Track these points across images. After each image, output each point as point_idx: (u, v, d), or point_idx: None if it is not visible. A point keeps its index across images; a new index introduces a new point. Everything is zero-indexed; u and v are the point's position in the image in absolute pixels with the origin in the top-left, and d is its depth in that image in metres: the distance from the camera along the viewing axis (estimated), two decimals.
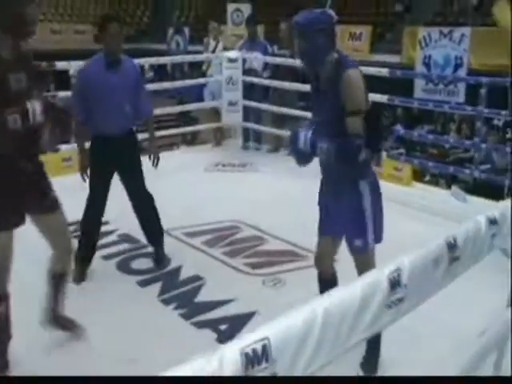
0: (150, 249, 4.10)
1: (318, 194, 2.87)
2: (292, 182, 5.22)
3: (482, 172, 5.59)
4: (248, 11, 10.96)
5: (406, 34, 12.64)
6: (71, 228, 4.45)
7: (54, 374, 2.23)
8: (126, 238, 4.37)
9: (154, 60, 7.40)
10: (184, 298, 3.50)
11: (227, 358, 1.03)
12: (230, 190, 5.37)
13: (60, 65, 5.90)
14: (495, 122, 8.66)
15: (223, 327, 3.17)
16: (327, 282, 2.76)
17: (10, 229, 2.56)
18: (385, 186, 5.33)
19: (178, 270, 3.87)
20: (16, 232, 2.61)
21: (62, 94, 6.22)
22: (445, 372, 1.79)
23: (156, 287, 3.64)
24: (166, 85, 7.49)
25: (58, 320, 2.90)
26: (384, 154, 6.14)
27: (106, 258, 4.05)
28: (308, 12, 2.58)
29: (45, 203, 2.71)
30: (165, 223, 4.46)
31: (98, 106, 3.56)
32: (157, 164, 3.97)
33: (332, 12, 2.63)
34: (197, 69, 8.64)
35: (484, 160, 7.02)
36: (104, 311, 3.24)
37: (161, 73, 15.27)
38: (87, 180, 3.79)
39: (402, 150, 8.77)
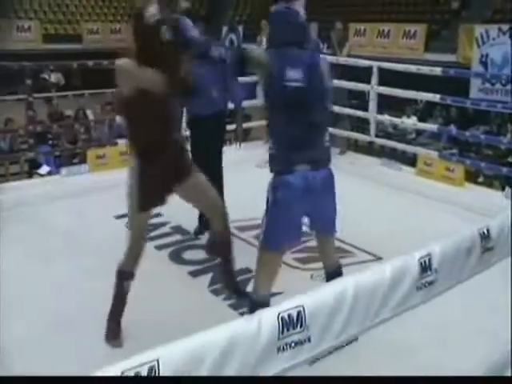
0: (201, 241, 4.24)
1: None
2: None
3: None
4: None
5: (462, 32, 12.38)
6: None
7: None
8: (178, 229, 4.53)
9: None
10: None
11: (265, 321, 1.15)
12: None
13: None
14: None
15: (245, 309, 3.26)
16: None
17: (149, 210, 3.00)
18: (436, 187, 5.46)
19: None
20: None
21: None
22: None
23: (207, 278, 3.78)
24: None
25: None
26: (436, 153, 6.12)
27: (159, 248, 4.23)
28: None
29: (185, 171, 3.01)
30: None
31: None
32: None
33: None
34: None
35: None
36: (156, 300, 3.39)
37: None
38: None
39: (454, 151, 8.65)
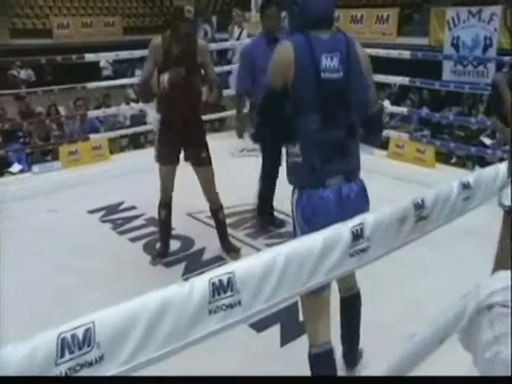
0: (176, 231, 4.27)
1: None
2: None
3: (504, 152, 5.58)
4: None
5: (434, 15, 12.46)
6: (103, 212, 4.74)
7: None
8: (152, 221, 4.54)
9: None
10: None
11: (197, 286, 1.24)
12: (255, 174, 5.47)
13: (89, 57, 6.06)
14: None
15: None
16: None
17: (167, 165, 3.82)
18: (408, 168, 5.53)
19: (201, 251, 4.03)
20: None
21: (92, 84, 6.44)
22: None
23: (180, 267, 3.80)
24: None
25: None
26: (406, 135, 6.20)
27: (133, 240, 4.25)
28: None
29: (200, 157, 3.85)
30: (190, 206, 4.65)
31: (260, 78, 3.63)
32: None
33: None
34: (224, 56, 8.77)
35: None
36: (128, 290, 3.39)
37: None
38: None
39: (426, 132, 8.75)
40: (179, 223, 4.42)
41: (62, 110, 9.90)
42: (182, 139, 3.70)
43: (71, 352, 1.07)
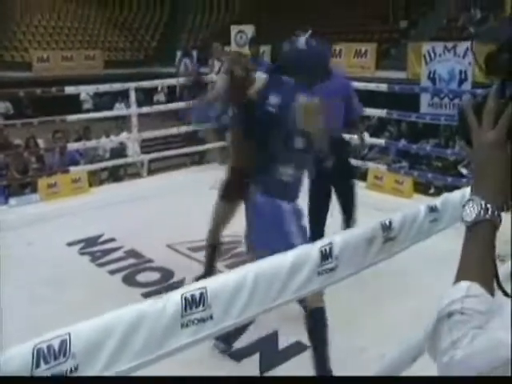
0: (155, 263, 4.24)
1: None
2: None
3: None
4: (251, 33, 11.22)
5: (411, 50, 12.77)
6: (82, 244, 4.68)
7: None
8: (131, 253, 4.50)
9: (159, 82, 7.62)
10: None
11: (170, 300, 1.31)
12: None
13: (69, 90, 6.08)
14: None
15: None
16: None
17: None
18: (386, 199, 5.58)
19: (181, 282, 3.98)
20: None
21: (72, 117, 6.45)
22: None
23: None
24: (172, 106, 7.67)
25: None
26: (385, 167, 6.28)
27: (112, 272, 4.19)
28: None
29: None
30: (170, 238, 4.63)
31: None
32: None
33: None
34: (205, 90, 8.84)
35: None
36: None
37: (171, 96, 15.56)
38: None
39: (404, 164, 8.87)
40: (158, 255, 4.41)
41: (41, 143, 9.85)
42: None
43: (46, 362, 1.11)
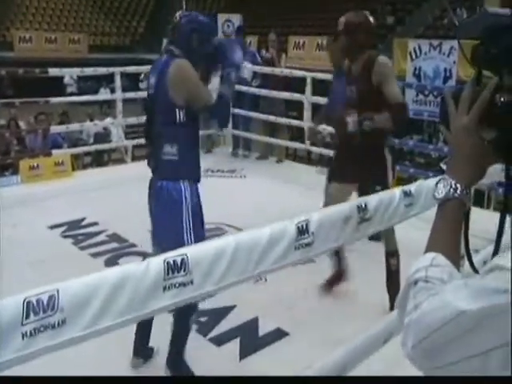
0: (138, 248, 4.23)
1: None
2: (278, 187, 5.44)
3: None
4: (238, 22, 11.17)
5: (397, 46, 12.83)
6: (64, 227, 4.65)
7: None
8: (114, 237, 4.49)
9: (146, 69, 7.54)
10: None
11: (152, 264, 1.38)
12: (218, 194, 5.49)
13: (52, 71, 6.01)
14: None
15: (203, 319, 3.29)
16: None
17: (339, 182, 3.37)
18: None
19: None
20: None
21: (55, 100, 6.38)
22: None
23: None
24: None
25: None
26: None
27: (95, 255, 4.18)
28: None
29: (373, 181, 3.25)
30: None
31: None
32: None
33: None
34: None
35: None
36: None
37: None
38: None
39: None
40: (140, 240, 4.38)
41: (22, 125, 9.71)
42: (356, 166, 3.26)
43: (36, 314, 1.19)
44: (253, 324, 3.27)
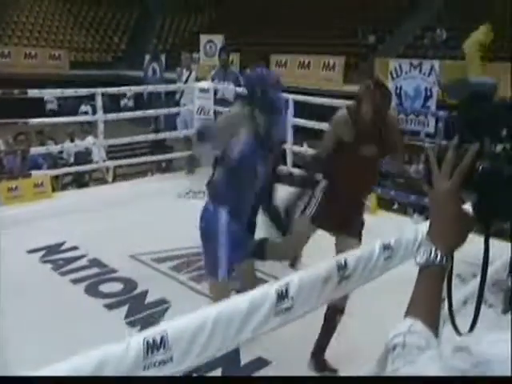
0: (119, 273, 4.19)
1: None
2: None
3: None
4: (220, 43, 11.23)
5: (378, 65, 12.99)
6: (43, 252, 4.58)
7: None
8: (95, 263, 4.43)
9: (127, 89, 7.54)
10: (149, 320, 3.58)
11: (132, 344, 1.37)
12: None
13: (32, 93, 5.96)
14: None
15: None
16: None
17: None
18: None
19: (144, 293, 3.95)
20: None
21: (34, 121, 6.33)
22: None
23: (123, 310, 3.71)
24: (138, 113, 7.59)
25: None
26: None
27: (75, 282, 4.11)
28: None
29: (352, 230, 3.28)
30: (134, 248, 4.58)
31: None
32: None
33: None
34: (173, 97, 8.81)
35: None
36: (72, 333, 3.30)
37: (138, 101, 15.42)
38: None
39: None
40: (121, 265, 4.36)
41: (1, 146, 9.56)
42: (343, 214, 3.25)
43: None
44: (234, 353, 3.24)
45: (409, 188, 8.35)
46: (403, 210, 8.08)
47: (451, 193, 0.91)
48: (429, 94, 11.56)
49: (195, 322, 1.52)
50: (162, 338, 1.40)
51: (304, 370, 2.94)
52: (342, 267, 1.96)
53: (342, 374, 3.05)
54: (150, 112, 7.78)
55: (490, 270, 2.23)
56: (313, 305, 1.89)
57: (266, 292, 1.72)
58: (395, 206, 8.19)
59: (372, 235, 4.90)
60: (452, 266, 0.96)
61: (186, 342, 1.47)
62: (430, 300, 0.91)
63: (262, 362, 3.16)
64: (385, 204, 6.99)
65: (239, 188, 3.01)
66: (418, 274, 0.94)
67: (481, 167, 0.88)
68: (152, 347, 1.38)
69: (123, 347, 1.35)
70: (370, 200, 5.86)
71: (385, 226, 5.21)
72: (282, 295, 1.72)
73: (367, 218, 5.60)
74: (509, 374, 0.63)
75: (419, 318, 0.87)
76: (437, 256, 0.92)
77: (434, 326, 0.87)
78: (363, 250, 2.15)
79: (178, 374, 1.49)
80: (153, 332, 1.42)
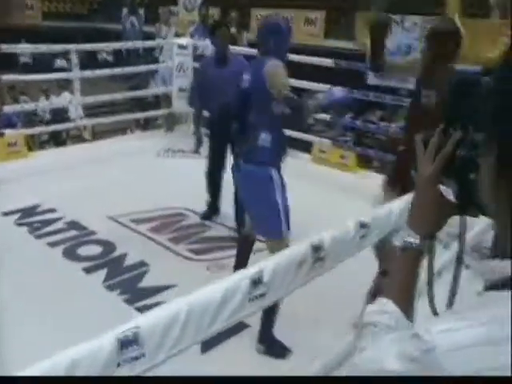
0: (97, 236, 4.16)
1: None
2: None
3: None
4: None
5: (359, 20, 12.78)
6: (19, 214, 4.52)
7: None
8: (72, 225, 4.38)
9: (104, 46, 7.35)
10: (128, 283, 3.58)
11: (105, 342, 1.37)
12: (179, 176, 5.43)
13: (5, 48, 5.78)
14: None
15: None
16: None
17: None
18: (330, 172, 5.67)
19: (123, 256, 3.92)
20: None
21: (8, 77, 6.16)
22: None
23: (101, 274, 3.70)
24: (117, 70, 7.40)
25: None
26: (329, 142, 6.35)
27: (52, 245, 4.06)
28: None
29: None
30: (112, 209, 4.54)
31: (211, 95, 4.42)
32: None
33: None
34: (151, 54, 8.62)
35: None
36: (49, 299, 3.29)
37: (116, 55, 15.01)
38: None
39: (347, 138, 9.04)
40: (100, 227, 4.32)
41: None
42: None
43: None
44: None
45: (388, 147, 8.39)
46: (383, 166, 8.10)
47: (432, 178, 0.93)
48: (408, 49, 11.47)
49: (168, 314, 1.51)
50: (134, 335, 1.40)
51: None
52: (316, 249, 1.95)
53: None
54: (129, 69, 7.60)
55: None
56: (287, 289, 1.89)
57: (240, 279, 1.71)
58: (375, 163, 8.21)
59: (356, 193, 4.98)
60: (433, 249, 0.98)
61: (159, 336, 1.46)
62: (403, 283, 0.93)
63: (242, 325, 3.18)
64: (365, 161, 6.98)
65: (281, 141, 3.07)
66: (396, 256, 0.96)
67: (460, 154, 0.89)
68: (125, 344, 1.38)
69: (96, 345, 1.36)
70: (349, 159, 5.87)
71: (366, 184, 5.24)
72: (256, 282, 1.71)
73: (348, 175, 5.72)
74: (461, 365, 0.63)
75: (392, 298, 0.90)
76: (414, 240, 0.94)
77: (406, 308, 0.89)
78: (338, 231, 2.13)
79: (153, 368, 1.49)
80: (125, 328, 1.42)
